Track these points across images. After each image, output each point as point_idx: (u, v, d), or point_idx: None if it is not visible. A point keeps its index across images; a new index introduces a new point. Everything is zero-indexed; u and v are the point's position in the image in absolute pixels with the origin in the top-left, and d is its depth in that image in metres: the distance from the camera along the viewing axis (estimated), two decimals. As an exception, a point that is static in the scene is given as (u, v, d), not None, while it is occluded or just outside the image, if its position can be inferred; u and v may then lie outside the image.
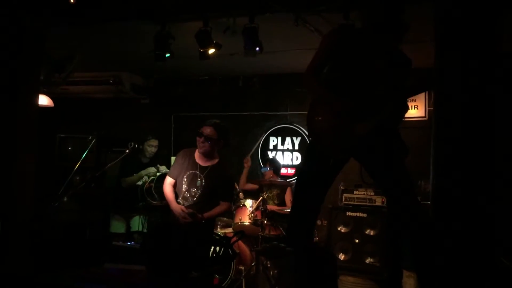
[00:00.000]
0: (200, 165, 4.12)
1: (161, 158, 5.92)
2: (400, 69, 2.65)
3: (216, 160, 4.17)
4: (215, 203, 4.15)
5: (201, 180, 4.07)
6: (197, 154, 4.16)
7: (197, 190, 4.08)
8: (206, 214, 4.03)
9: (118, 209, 5.52)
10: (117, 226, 5.46)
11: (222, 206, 4.17)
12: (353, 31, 2.73)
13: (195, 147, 4.18)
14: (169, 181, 4.22)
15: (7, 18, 3.96)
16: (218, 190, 4.14)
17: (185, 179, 4.11)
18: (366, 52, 2.62)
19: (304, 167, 2.92)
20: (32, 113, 4.23)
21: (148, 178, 5.11)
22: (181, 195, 4.12)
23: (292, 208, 3.04)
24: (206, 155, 4.12)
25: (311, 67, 2.71)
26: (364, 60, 2.61)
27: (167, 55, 4.57)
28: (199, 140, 4.06)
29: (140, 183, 5.25)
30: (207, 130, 4.05)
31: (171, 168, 4.32)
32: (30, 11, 4.03)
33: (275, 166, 5.86)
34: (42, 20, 4.19)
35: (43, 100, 5.57)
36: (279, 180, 5.74)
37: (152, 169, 5.26)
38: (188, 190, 4.09)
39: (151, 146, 5.50)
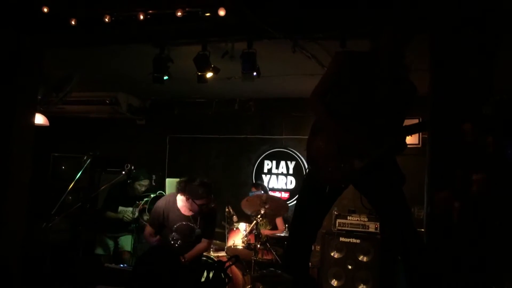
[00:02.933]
0: (187, 215, 4.09)
1: (156, 180, 5.86)
2: (404, 95, 2.65)
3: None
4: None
5: (193, 226, 4.08)
6: (180, 203, 4.10)
7: (187, 236, 4.08)
8: (187, 255, 3.99)
9: (106, 231, 5.42)
10: (105, 248, 5.37)
11: (203, 243, 4.14)
12: (360, 55, 2.70)
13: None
14: (149, 230, 4.20)
15: (6, 38, 3.99)
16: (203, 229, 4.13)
17: (175, 230, 4.08)
18: (371, 77, 2.60)
19: (302, 192, 2.89)
20: (28, 132, 4.22)
21: (145, 202, 5.02)
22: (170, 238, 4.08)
23: (289, 234, 3.03)
24: None
25: (316, 90, 2.68)
26: (368, 86, 2.59)
27: (165, 77, 4.60)
28: (196, 209, 4.00)
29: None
30: (201, 201, 3.97)
31: (151, 217, 4.24)
32: (29, 31, 4.06)
33: (264, 189, 5.92)
34: (41, 41, 4.22)
35: (39, 119, 5.54)
36: (276, 196, 5.75)
37: (129, 211, 5.19)
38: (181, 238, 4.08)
39: (142, 186, 5.34)
